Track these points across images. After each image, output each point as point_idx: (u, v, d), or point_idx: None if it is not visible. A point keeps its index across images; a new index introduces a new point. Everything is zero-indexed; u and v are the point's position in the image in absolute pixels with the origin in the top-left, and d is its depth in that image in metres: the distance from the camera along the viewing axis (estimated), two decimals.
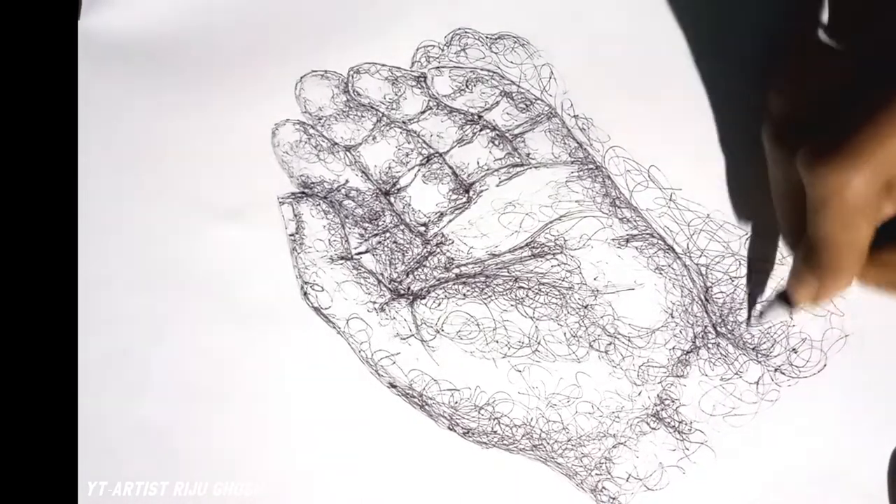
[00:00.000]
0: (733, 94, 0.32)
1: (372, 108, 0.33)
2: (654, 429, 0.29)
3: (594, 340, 0.30)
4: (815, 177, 0.24)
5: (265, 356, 0.30)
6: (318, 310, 0.31)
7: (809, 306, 0.28)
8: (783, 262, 0.31)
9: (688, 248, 0.31)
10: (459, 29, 0.34)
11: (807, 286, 0.27)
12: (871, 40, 0.27)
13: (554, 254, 0.31)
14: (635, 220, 0.31)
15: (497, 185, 0.32)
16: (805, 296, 0.28)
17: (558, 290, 0.30)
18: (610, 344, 0.30)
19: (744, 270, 0.31)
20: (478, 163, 0.32)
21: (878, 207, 0.24)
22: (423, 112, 0.33)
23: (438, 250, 0.31)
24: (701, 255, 0.31)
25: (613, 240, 0.31)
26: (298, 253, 0.31)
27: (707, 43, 0.33)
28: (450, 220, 0.32)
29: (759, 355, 0.30)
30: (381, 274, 0.31)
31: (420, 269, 0.31)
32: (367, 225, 0.32)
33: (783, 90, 0.28)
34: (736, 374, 0.29)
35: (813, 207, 0.25)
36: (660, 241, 0.31)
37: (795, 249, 0.28)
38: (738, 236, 0.31)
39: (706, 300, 0.30)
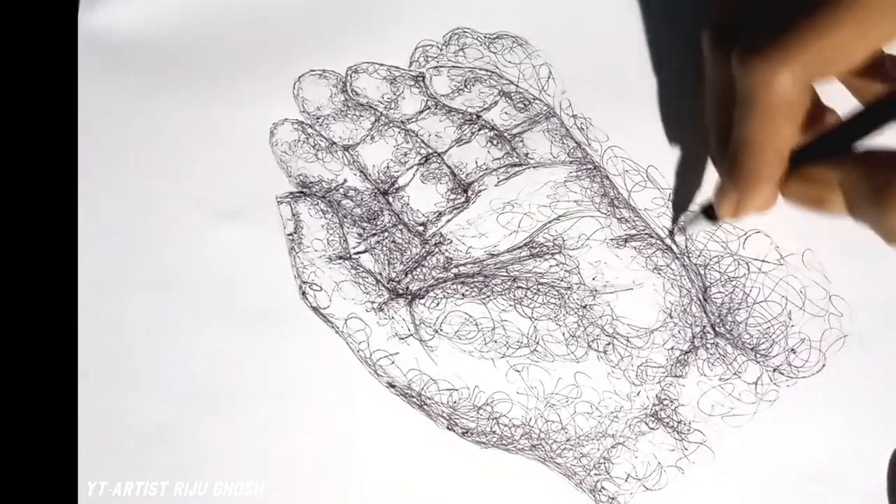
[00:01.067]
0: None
1: (370, 107, 0.33)
2: (652, 429, 0.29)
3: (593, 340, 0.30)
4: (745, 71, 0.24)
5: (264, 356, 0.30)
6: (316, 309, 0.31)
7: (731, 219, 0.28)
8: (782, 263, 0.31)
9: (686, 248, 0.31)
10: (458, 28, 0.34)
11: (728, 197, 0.27)
12: None
13: (552, 254, 0.31)
14: (634, 220, 0.31)
15: (495, 185, 0.32)
16: (726, 207, 0.27)
17: (557, 290, 0.30)
18: (609, 344, 0.30)
19: (742, 270, 0.31)
20: (476, 162, 0.32)
21: (803, 113, 0.24)
22: (421, 112, 0.33)
23: (437, 250, 0.31)
24: (699, 255, 0.31)
25: (612, 240, 0.31)
26: (297, 252, 0.31)
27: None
28: (448, 220, 0.32)
29: (758, 355, 0.30)
30: (380, 274, 0.31)
31: (418, 269, 0.31)
32: (365, 224, 0.32)
33: None
34: (735, 374, 0.29)
35: (739, 104, 0.24)
36: (658, 241, 0.31)
37: (721, 160, 0.28)
38: (736, 236, 0.31)
39: (705, 300, 0.30)
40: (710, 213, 0.29)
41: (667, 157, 0.32)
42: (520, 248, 0.31)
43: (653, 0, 0.34)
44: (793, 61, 0.23)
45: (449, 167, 0.32)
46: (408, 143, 0.32)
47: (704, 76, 0.29)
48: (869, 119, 0.24)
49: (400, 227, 0.32)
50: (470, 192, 0.32)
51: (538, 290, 0.30)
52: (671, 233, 0.31)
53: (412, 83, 0.33)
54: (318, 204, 0.32)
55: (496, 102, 0.33)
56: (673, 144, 0.32)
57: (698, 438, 0.29)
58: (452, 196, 0.32)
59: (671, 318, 0.30)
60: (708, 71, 0.28)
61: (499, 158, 0.32)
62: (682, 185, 0.32)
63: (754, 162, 0.25)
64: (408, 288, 0.31)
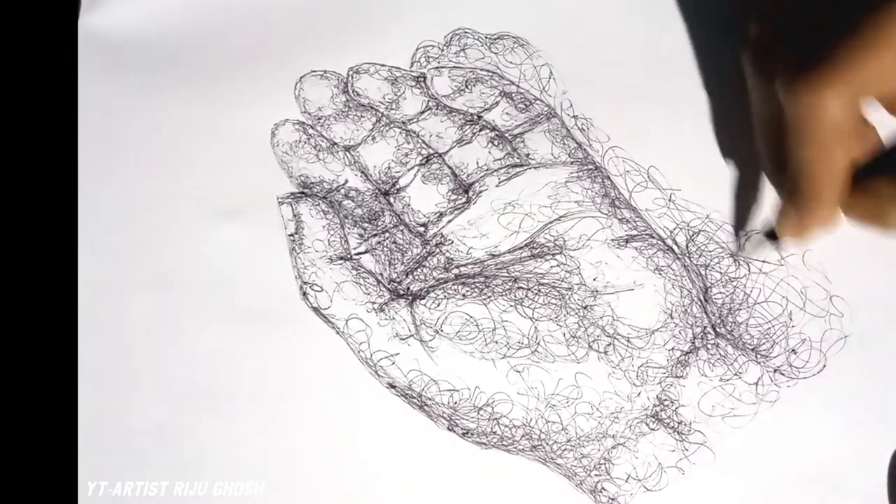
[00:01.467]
0: (734, 95, 0.32)
1: (371, 108, 0.33)
2: (653, 429, 0.29)
3: (593, 341, 0.30)
4: (792, 97, 0.23)
5: (265, 356, 0.30)
6: (317, 310, 0.31)
7: (794, 241, 0.28)
8: (782, 264, 0.31)
9: (687, 248, 0.31)
10: (459, 29, 0.34)
11: (789, 218, 0.27)
12: None
13: (553, 254, 0.31)
14: (635, 221, 0.31)
15: (496, 186, 0.32)
16: (788, 229, 0.27)
17: (558, 291, 0.30)
18: (609, 344, 0.30)
19: (743, 271, 0.31)
20: (477, 163, 0.32)
21: (853, 134, 0.24)
22: (422, 112, 0.33)
23: (438, 250, 0.31)
24: (700, 256, 0.31)
25: (613, 240, 0.31)
26: (298, 253, 0.31)
27: (707, 43, 0.33)
28: (449, 221, 0.32)
29: (759, 356, 0.30)
30: (381, 274, 0.31)
31: (419, 270, 0.31)
32: (366, 225, 0.32)
33: (762, 11, 0.27)
34: (735, 374, 0.29)
35: (790, 132, 0.24)
36: (659, 242, 0.31)
37: (778, 183, 0.28)
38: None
39: (705, 301, 0.30)
40: (773, 235, 0.29)
41: (668, 158, 0.32)
42: (521, 248, 0.31)
43: (654, 0, 0.34)
44: (840, 87, 0.22)
45: (450, 168, 0.32)
46: (409, 143, 0.32)
47: (749, 97, 0.28)
48: None
49: (401, 227, 0.32)
50: (471, 193, 0.32)
51: (539, 290, 0.30)
52: (733, 256, 0.31)
53: (413, 84, 0.33)
54: (319, 204, 0.32)
55: (497, 103, 0.33)
56: (675, 145, 0.32)
57: (699, 439, 0.29)
58: (453, 196, 0.32)
59: (672, 318, 0.30)
60: (752, 94, 0.28)
61: (500, 159, 0.32)
62: (739, 207, 0.31)
63: (813, 186, 0.25)
64: (409, 288, 0.31)
